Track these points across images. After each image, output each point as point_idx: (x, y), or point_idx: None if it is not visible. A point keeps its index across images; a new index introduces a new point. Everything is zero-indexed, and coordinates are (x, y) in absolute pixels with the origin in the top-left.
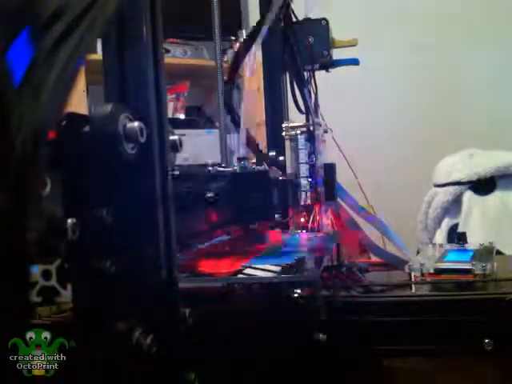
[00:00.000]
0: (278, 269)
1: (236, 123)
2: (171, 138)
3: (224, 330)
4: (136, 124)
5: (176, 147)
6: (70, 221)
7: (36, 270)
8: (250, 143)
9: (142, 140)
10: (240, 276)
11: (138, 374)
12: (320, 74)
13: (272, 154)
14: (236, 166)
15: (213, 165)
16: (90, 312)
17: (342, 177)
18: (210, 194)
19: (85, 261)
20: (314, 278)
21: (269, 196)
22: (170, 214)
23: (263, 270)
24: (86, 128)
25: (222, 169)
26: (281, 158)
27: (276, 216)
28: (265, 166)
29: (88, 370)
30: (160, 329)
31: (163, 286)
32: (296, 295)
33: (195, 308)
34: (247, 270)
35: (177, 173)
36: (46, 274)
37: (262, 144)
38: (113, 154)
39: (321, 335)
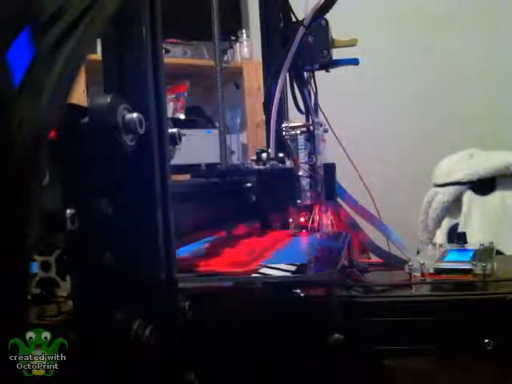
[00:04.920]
0: (293, 268)
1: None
2: (170, 130)
3: (238, 329)
4: (135, 115)
5: (175, 140)
6: (68, 211)
7: (35, 263)
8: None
9: (141, 131)
10: (255, 275)
11: (137, 366)
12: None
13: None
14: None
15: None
16: (89, 303)
17: (343, 177)
18: (248, 184)
19: (84, 252)
20: (331, 277)
21: (294, 186)
22: (169, 205)
23: (279, 269)
24: (85, 119)
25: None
26: (280, 155)
27: (297, 201)
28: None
29: (87, 362)
30: (159, 320)
31: (162, 278)
32: (307, 294)
33: (208, 307)
34: (263, 270)
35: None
36: (45, 266)
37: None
38: (112, 144)
39: (337, 335)
